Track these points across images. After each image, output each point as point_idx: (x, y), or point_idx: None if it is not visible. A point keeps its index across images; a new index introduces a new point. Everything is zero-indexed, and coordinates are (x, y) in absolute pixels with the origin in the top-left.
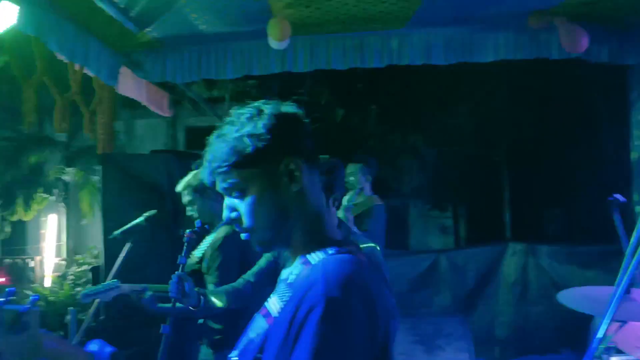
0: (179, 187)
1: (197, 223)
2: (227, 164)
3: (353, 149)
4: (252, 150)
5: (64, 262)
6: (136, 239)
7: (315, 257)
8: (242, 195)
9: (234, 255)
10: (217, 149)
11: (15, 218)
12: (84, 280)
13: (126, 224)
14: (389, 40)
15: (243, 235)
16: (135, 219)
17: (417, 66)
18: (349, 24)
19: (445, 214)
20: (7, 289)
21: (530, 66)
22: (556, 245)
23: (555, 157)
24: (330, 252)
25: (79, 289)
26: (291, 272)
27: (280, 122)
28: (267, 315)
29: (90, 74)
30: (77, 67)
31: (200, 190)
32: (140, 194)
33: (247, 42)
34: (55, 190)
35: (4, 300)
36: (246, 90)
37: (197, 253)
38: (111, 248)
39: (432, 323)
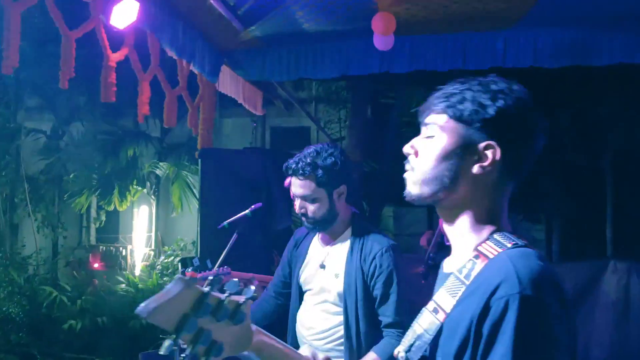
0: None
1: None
2: (483, 111)
3: None
4: (491, 120)
5: (152, 252)
6: (242, 230)
7: (492, 250)
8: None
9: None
10: (466, 94)
11: (111, 208)
12: (170, 270)
13: (222, 216)
14: (494, 41)
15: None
16: (232, 212)
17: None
18: (453, 24)
19: (537, 227)
20: (220, 273)
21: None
22: None
23: None
24: (508, 245)
25: (166, 278)
26: (463, 265)
27: (521, 106)
28: (437, 310)
29: (196, 71)
30: (184, 63)
31: None
32: (236, 189)
33: (345, 42)
34: (147, 183)
35: (229, 294)
36: (334, 91)
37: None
38: (207, 239)
39: None
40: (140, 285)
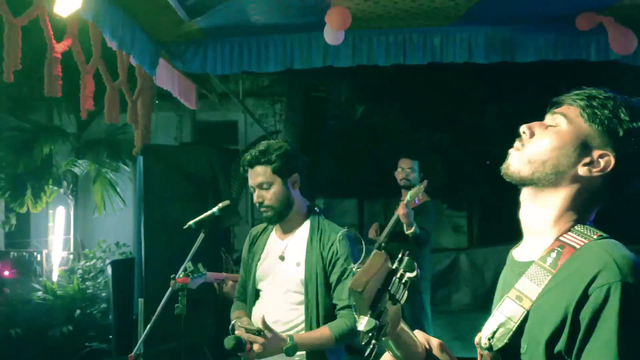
0: None
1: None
2: (617, 122)
3: (374, 146)
4: (620, 135)
5: (71, 256)
6: (208, 230)
7: (577, 240)
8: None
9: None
10: (604, 108)
11: (23, 210)
12: (92, 274)
13: (168, 215)
14: (432, 37)
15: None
16: (178, 210)
17: (441, 63)
18: (396, 20)
19: (459, 214)
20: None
21: (556, 67)
22: None
23: None
24: (594, 237)
25: (88, 282)
26: (547, 254)
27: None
28: (521, 298)
29: (135, 63)
30: (124, 55)
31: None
32: (181, 185)
33: (290, 35)
34: (65, 183)
35: (404, 270)
36: (267, 85)
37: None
38: (152, 239)
39: (469, 319)
40: (59, 292)
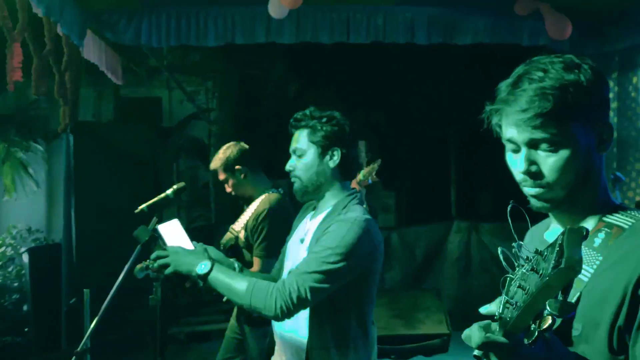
0: (211, 167)
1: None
2: (550, 113)
3: None
4: (579, 105)
5: None
6: (161, 214)
7: (624, 221)
8: (553, 150)
9: (279, 227)
10: (532, 94)
11: None
12: (1, 263)
13: (102, 196)
14: (376, 16)
15: (533, 191)
16: (114, 191)
17: (377, 44)
18: None
19: (388, 193)
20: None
21: (485, 52)
22: (497, 223)
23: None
24: (638, 216)
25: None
26: (594, 235)
27: (600, 79)
28: None
29: (62, 33)
30: (51, 24)
31: (231, 169)
32: (117, 166)
33: (231, 8)
34: None
35: None
36: (199, 60)
37: (236, 227)
38: (84, 223)
39: (409, 297)
40: None
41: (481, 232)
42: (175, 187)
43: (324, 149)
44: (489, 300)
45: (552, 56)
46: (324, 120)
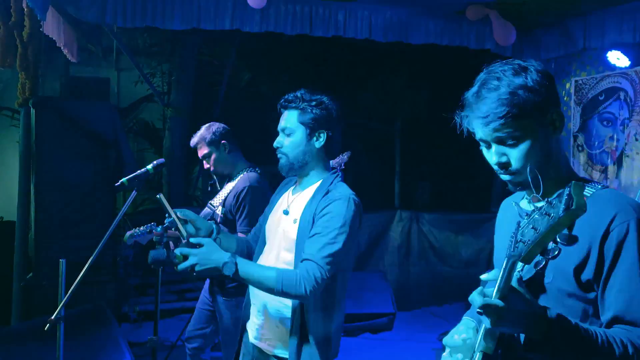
0: (193, 142)
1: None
2: (506, 115)
3: (262, 115)
4: (529, 103)
5: None
6: (141, 187)
7: (586, 190)
8: (515, 143)
9: (260, 203)
10: (490, 102)
11: None
12: None
13: (64, 173)
14: (337, 12)
15: (507, 177)
16: (76, 168)
17: (331, 39)
18: None
19: None
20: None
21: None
22: (436, 213)
23: (442, 137)
24: (598, 187)
25: None
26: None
27: (544, 77)
28: None
29: (26, 5)
30: None
31: (216, 143)
32: (80, 143)
33: None
34: None
35: None
36: (156, 43)
37: (214, 202)
38: (46, 199)
39: (355, 278)
40: None
41: (421, 222)
42: (155, 162)
43: (312, 131)
44: (427, 285)
45: (503, 63)
46: (314, 103)
